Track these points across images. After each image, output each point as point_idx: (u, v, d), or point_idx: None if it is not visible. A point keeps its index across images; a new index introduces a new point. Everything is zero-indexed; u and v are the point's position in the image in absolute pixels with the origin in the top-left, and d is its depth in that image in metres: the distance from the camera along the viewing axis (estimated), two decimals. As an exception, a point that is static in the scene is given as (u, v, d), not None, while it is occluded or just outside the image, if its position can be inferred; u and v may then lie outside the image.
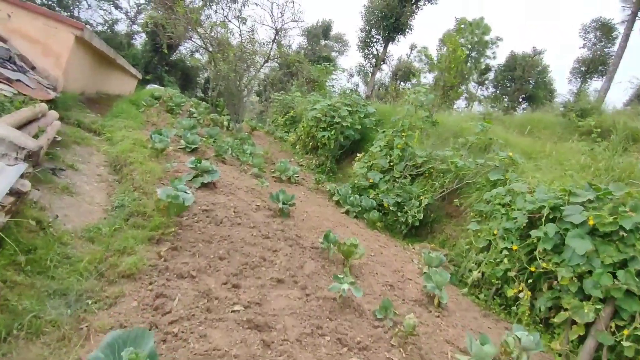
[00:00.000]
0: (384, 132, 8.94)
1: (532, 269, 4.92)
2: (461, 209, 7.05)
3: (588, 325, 4.35)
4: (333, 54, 33.68)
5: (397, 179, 7.90)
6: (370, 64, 28.20)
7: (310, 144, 11.37)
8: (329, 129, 10.55)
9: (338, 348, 2.97)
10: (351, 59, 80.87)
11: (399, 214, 7.25)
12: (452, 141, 8.09)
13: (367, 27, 27.32)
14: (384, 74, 32.23)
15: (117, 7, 27.67)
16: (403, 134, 8.25)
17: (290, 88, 18.78)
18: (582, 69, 25.33)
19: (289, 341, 2.81)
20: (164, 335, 2.44)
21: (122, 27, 29.27)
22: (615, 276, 4.19)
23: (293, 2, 12.18)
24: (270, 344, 2.68)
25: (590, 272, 4.42)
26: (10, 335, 2.14)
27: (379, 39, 27.21)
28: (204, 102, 16.60)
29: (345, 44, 35.51)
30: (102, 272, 2.83)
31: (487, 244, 5.80)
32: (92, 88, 10.21)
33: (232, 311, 2.90)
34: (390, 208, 7.30)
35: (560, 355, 4.45)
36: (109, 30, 26.44)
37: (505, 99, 28.64)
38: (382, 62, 27.26)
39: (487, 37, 28.47)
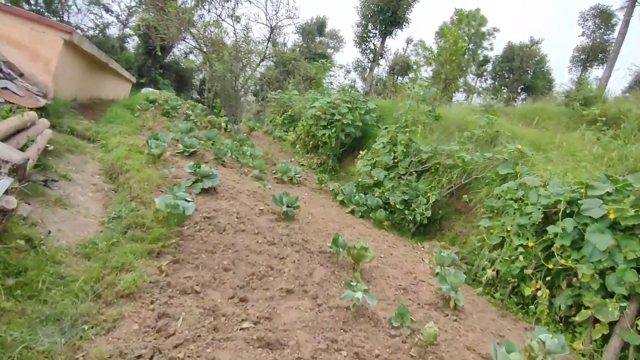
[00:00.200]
0: (386, 128, 8.72)
1: (550, 266, 4.72)
2: (470, 205, 6.85)
3: (612, 324, 4.16)
4: (328, 50, 33.38)
5: (402, 176, 7.69)
6: (368, 59, 27.92)
7: (311, 142, 11.14)
8: (329, 126, 10.33)
9: (356, 364, 2.76)
10: (347, 55, 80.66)
11: (406, 212, 7.04)
12: (457, 135, 7.87)
13: (363, 22, 27.03)
14: (381, 69, 31.99)
15: (107, 10, 27.28)
16: (406, 129, 8.03)
17: (287, 87, 18.52)
18: (582, 57, 25.08)
19: (304, 359, 2.61)
20: (169, 361, 2.23)
21: (113, 31, 28.88)
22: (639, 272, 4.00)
23: (287, -1, 11.92)
24: (283, 364, 2.47)
25: (612, 268, 4.23)
26: (-2, 371, 1.92)
27: (375, 34, 26.94)
28: (200, 104, 16.37)
29: (340, 40, 35.27)
30: (99, 292, 2.61)
31: (501, 240, 5.60)
32: (85, 94, 9.96)
33: (241, 329, 2.69)
34: (397, 206, 7.09)
35: (583, 355, 4.26)
36: (100, 34, 26.07)
37: (504, 90, 28.43)
38: (379, 57, 26.98)
39: (483, 29, 28.22)
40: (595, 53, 24.40)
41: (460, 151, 7.13)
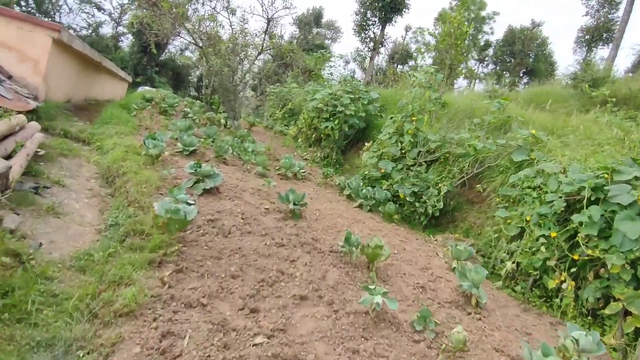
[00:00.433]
0: (391, 118, 8.41)
1: (576, 256, 4.45)
2: (484, 195, 6.57)
3: (646, 316, 3.91)
4: (326, 41, 32.87)
5: (411, 167, 7.41)
6: (368, 48, 27.39)
7: (313, 135, 10.84)
8: (331, 118, 10.02)
9: (382, 377, 2.51)
10: (344, 46, 79.64)
11: (416, 204, 6.76)
12: (467, 122, 7.56)
13: (362, 10, 26.46)
14: (381, 57, 31.50)
15: (99, 9, 26.87)
16: (413, 118, 7.73)
17: (285, 80, 18.17)
18: (586, 37, 24.48)
19: (325, 376, 2.36)
20: (176, 388, 1.98)
21: (107, 30, 28.48)
22: (676, 261, 3.73)
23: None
24: (303, 383, 2.22)
25: (645, 258, 3.96)
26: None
27: (375, 21, 26.36)
28: (198, 101, 16.06)
29: (337, 30, 34.71)
30: (95, 311, 2.36)
31: (519, 231, 5.33)
32: (79, 94, 9.66)
33: (254, 344, 2.44)
34: (407, 199, 6.82)
35: (615, 350, 4.01)
36: (93, 33, 25.68)
37: (506, 75, 27.96)
38: (380, 45, 26.47)
39: (483, 13, 27.68)
40: (600, 33, 23.79)
41: (471, 139, 6.84)
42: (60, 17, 25.08)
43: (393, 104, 11.62)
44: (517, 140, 6.39)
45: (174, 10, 11.17)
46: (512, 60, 28.83)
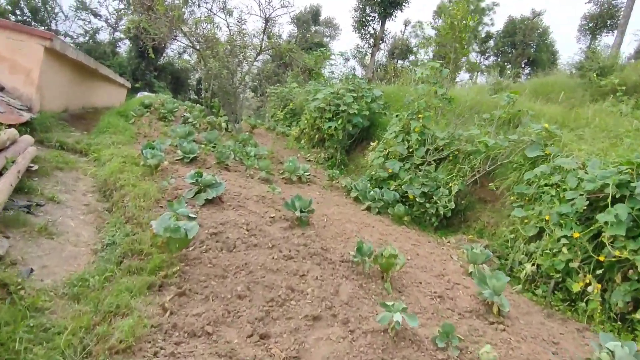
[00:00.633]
0: (397, 115, 8.16)
1: (601, 258, 4.20)
2: (497, 193, 6.32)
3: (682, 321, 3.66)
4: (325, 39, 32.57)
5: (419, 166, 7.16)
6: (369, 44, 27.04)
7: (316, 136, 10.60)
8: (334, 118, 9.77)
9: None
10: (343, 43, 79.13)
11: (427, 205, 6.52)
12: (476, 118, 7.30)
13: (361, 5, 26.08)
14: (381, 53, 31.16)
15: (95, 15, 26.69)
16: (419, 115, 7.47)
17: (285, 80, 17.91)
18: (590, 25, 24.01)
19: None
20: None
21: (104, 36, 28.27)
22: None
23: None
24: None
25: (678, 258, 3.71)
26: None
27: (374, 17, 25.99)
28: (198, 105, 15.83)
29: (336, 28, 34.39)
30: (89, 348, 2.14)
31: (537, 231, 5.08)
32: (76, 103, 9.46)
33: (266, 377, 2.21)
34: (417, 199, 6.57)
35: (648, 357, 3.76)
36: (90, 40, 25.51)
37: (508, 66, 27.58)
38: (380, 41, 26.12)
39: (483, 4, 27.31)
40: (604, 20, 23.31)
41: (482, 135, 6.58)
42: (56, 24, 24.94)
43: (396, 100, 11.35)
44: (529, 135, 6.12)
45: (170, 13, 10.94)
46: (514, 51, 28.44)
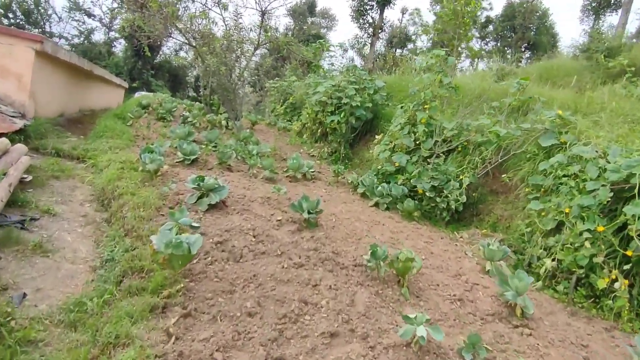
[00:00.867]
0: (402, 107, 7.89)
1: (629, 253, 3.97)
2: (510, 185, 6.08)
3: None
4: (322, 30, 32.05)
5: (427, 159, 6.91)
6: (368, 33, 26.55)
7: (319, 130, 10.34)
8: (337, 112, 9.51)
9: None
10: (340, 33, 77.97)
11: (437, 199, 6.29)
12: (485, 107, 7.02)
13: (358, -5, 25.59)
14: (380, 43, 30.64)
15: (89, 15, 26.27)
16: (425, 106, 7.20)
17: (284, 74, 17.59)
18: (593, 4, 23.42)
19: None
20: None
21: (99, 37, 27.90)
22: None
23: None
24: None
25: None
26: None
27: (373, 5, 25.45)
28: (197, 103, 15.56)
29: (332, 18, 33.81)
30: (87, 386, 1.95)
31: (556, 224, 4.85)
32: (73, 107, 9.23)
33: (283, 408, 2.01)
34: (427, 194, 6.34)
35: (681, 356, 3.56)
36: (85, 41, 25.15)
37: (508, 51, 27.08)
38: (380, 30, 25.64)
39: (481, -12, 26.68)
40: (608, -2, 22.78)
41: (492, 125, 6.32)
42: (50, 26, 24.59)
43: (398, 90, 11.05)
44: (543, 123, 5.86)
45: (164, 10, 10.63)
46: (513, 35, 27.89)
